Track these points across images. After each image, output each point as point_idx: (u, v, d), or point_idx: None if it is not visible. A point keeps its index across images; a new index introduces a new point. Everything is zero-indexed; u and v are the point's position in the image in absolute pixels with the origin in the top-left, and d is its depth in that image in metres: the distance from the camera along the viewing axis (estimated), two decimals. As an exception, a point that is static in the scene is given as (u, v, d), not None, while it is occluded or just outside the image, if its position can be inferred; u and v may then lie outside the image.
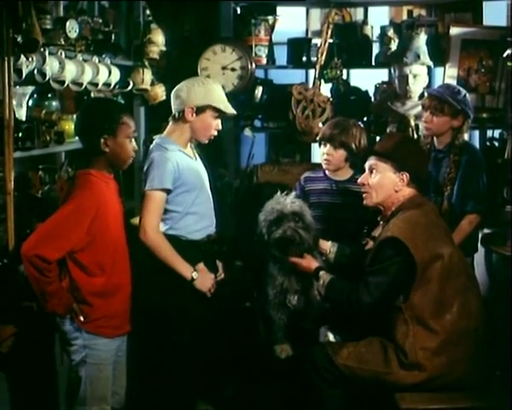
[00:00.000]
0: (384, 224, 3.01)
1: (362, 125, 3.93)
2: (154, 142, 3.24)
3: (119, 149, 2.86)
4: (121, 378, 3.07)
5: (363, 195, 3.06)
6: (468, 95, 3.69)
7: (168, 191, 3.11)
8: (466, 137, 3.80)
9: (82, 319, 2.82)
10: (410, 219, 2.86)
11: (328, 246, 3.34)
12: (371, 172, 3.02)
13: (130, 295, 2.98)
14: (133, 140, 2.93)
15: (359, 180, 3.08)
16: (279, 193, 3.30)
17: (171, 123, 3.25)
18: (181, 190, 3.14)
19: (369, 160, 3.05)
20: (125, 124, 2.87)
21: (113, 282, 2.88)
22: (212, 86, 3.23)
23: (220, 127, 3.27)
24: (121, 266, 2.94)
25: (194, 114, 3.16)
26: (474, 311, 2.86)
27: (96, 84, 3.87)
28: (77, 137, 3.73)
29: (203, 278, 3.15)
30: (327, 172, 3.69)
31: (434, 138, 3.72)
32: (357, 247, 3.42)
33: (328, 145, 3.60)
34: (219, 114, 3.21)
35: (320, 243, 3.34)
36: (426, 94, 3.86)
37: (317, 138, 3.73)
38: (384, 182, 2.97)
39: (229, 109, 3.24)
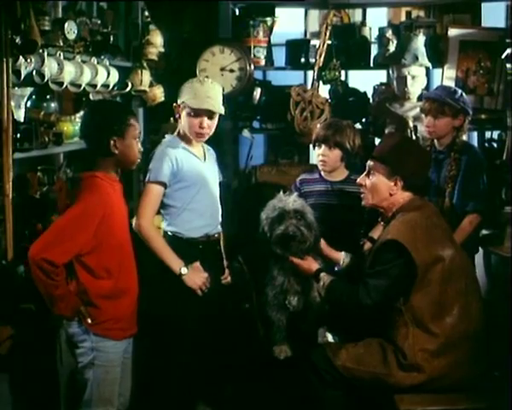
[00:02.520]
0: (384, 225, 3.01)
1: (355, 126, 3.94)
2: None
3: (127, 150, 2.88)
4: (127, 380, 3.07)
5: (361, 195, 3.06)
6: (464, 93, 3.70)
7: (165, 185, 3.14)
8: (465, 138, 3.79)
9: (89, 321, 2.82)
10: (410, 222, 2.85)
11: (341, 256, 3.29)
12: (369, 173, 3.02)
13: (137, 297, 2.98)
14: (138, 141, 2.95)
15: (358, 180, 3.08)
16: (281, 193, 3.30)
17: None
18: (180, 185, 3.17)
19: (369, 161, 3.05)
20: (133, 125, 2.89)
21: (121, 284, 2.88)
22: (193, 84, 3.21)
23: (205, 125, 3.17)
24: (128, 269, 2.95)
25: (180, 113, 3.20)
26: (475, 314, 2.84)
27: (95, 86, 3.87)
28: (75, 139, 3.80)
29: (194, 275, 3.14)
30: (322, 173, 3.69)
31: (435, 140, 3.72)
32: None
33: (323, 146, 3.61)
34: (197, 112, 3.15)
35: (332, 253, 3.31)
36: (423, 98, 3.85)
37: (312, 140, 3.72)
38: (378, 185, 2.97)
39: (202, 105, 3.14)
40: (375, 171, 2.98)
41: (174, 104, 3.21)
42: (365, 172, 3.04)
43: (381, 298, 2.79)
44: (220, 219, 3.36)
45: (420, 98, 4.21)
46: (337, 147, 3.59)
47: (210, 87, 3.23)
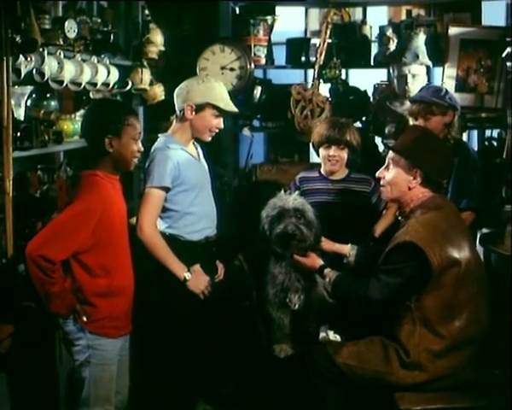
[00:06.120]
0: (403, 221, 2.94)
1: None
2: (157, 140, 3.25)
3: (123, 149, 2.86)
4: (124, 378, 3.07)
5: (381, 188, 3.02)
6: (449, 91, 3.69)
7: (167, 190, 3.12)
8: (465, 136, 3.79)
9: (85, 319, 2.82)
10: (430, 223, 2.79)
11: (347, 249, 3.28)
12: (388, 166, 2.97)
13: (133, 296, 2.98)
14: (139, 141, 2.93)
15: (377, 174, 3.03)
16: (282, 191, 3.30)
17: (174, 122, 3.27)
18: (180, 188, 3.15)
19: (389, 153, 2.99)
20: (131, 125, 2.87)
21: (117, 283, 2.88)
22: (212, 84, 3.22)
23: (222, 126, 3.26)
24: (124, 267, 2.94)
25: (194, 113, 3.17)
26: (484, 318, 2.82)
27: (95, 84, 3.87)
28: (76, 137, 3.81)
29: (196, 280, 3.15)
30: (323, 171, 3.69)
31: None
32: (377, 247, 3.38)
33: (333, 147, 3.58)
34: (220, 112, 3.21)
35: (337, 247, 3.30)
36: (411, 102, 3.83)
37: (317, 140, 3.66)
38: (397, 178, 2.91)
39: (230, 107, 3.23)
40: (395, 164, 2.93)
41: (187, 104, 3.16)
42: (384, 166, 2.99)
43: (391, 295, 2.77)
44: (216, 220, 3.35)
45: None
46: (347, 146, 3.59)
47: (224, 88, 3.28)
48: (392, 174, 2.94)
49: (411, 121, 4.16)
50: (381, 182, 3.00)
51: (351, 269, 3.21)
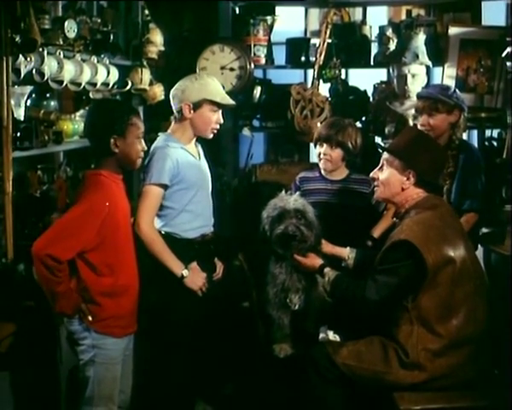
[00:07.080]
0: (398, 221, 2.96)
1: (357, 125, 3.94)
2: (157, 139, 3.26)
3: (128, 149, 2.88)
4: (128, 377, 3.08)
5: (375, 188, 3.04)
6: (457, 90, 3.69)
7: (165, 187, 3.13)
8: (465, 136, 3.79)
9: (90, 319, 2.83)
10: (425, 222, 2.80)
11: (346, 252, 3.28)
12: (382, 167, 2.99)
13: (137, 295, 3.00)
14: (142, 140, 2.95)
15: (371, 174, 3.05)
16: (283, 192, 3.30)
17: (173, 122, 3.28)
18: (179, 186, 3.15)
19: (384, 154, 3.02)
20: (135, 125, 2.89)
21: (122, 282, 2.89)
22: (205, 80, 3.24)
23: (222, 120, 3.27)
24: (129, 266, 2.96)
25: (192, 111, 3.18)
26: (482, 317, 2.82)
27: (95, 84, 3.87)
28: (75, 137, 3.81)
29: (194, 277, 3.16)
30: (322, 172, 3.69)
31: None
32: (376, 251, 3.38)
33: (325, 145, 3.60)
34: (218, 106, 3.22)
35: (337, 250, 3.30)
36: (417, 98, 3.84)
37: (314, 138, 3.71)
38: (390, 179, 2.93)
39: (227, 100, 3.25)
40: (389, 164, 2.95)
41: (185, 103, 3.17)
42: (379, 166, 3.01)
43: (387, 295, 2.78)
44: (213, 218, 3.35)
45: (420, 97, 4.20)
46: (339, 146, 3.59)
47: (218, 83, 3.30)
48: (385, 175, 2.96)
49: (411, 121, 4.19)
50: (375, 182, 3.02)
51: (349, 272, 3.21)
